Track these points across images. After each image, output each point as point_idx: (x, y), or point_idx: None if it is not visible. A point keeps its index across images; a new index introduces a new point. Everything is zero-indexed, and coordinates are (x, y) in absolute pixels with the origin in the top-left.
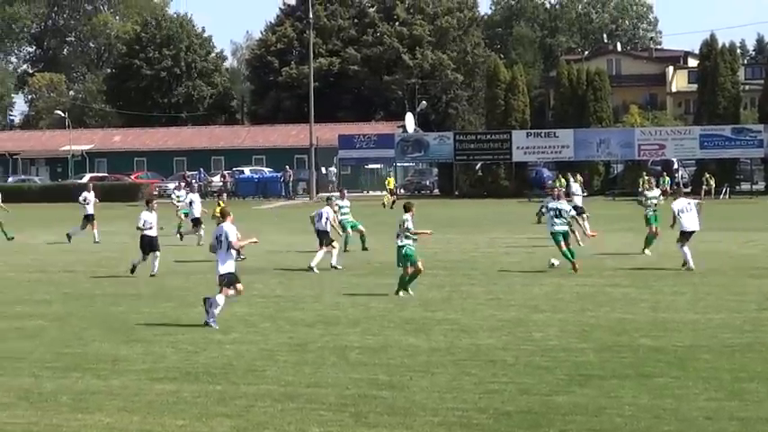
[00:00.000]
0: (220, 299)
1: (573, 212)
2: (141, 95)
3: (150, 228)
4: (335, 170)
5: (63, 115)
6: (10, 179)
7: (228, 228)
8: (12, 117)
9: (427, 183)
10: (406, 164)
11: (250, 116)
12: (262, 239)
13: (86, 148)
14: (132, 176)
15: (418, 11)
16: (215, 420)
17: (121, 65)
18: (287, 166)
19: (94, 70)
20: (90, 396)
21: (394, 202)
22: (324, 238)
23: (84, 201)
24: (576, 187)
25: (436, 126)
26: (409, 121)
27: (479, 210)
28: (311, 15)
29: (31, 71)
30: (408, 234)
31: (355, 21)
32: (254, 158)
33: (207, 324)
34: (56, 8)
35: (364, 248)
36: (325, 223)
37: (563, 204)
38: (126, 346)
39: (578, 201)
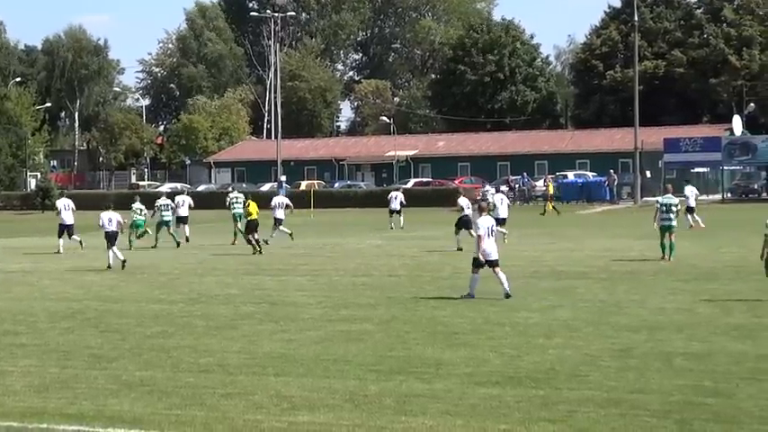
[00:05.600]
0: None
1: None
2: (465, 101)
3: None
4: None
5: (388, 121)
6: (336, 184)
7: None
8: (338, 123)
9: (755, 186)
10: (733, 167)
11: (574, 120)
12: (584, 245)
13: (411, 153)
14: (456, 181)
15: (748, 11)
16: (538, 425)
17: (446, 70)
18: (611, 171)
19: (419, 76)
20: (414, 399)
21: (554, 208)
22: None
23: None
24: None
25: (765, 129)
26: (736, 123)
27: None
28: (636, 18)
29: (357, 78)
30: None
31: (681, 22)
32: (578, 163)
33: None
34: (381, 16)
35: None
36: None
37: None
38: (449, 349)
39: None
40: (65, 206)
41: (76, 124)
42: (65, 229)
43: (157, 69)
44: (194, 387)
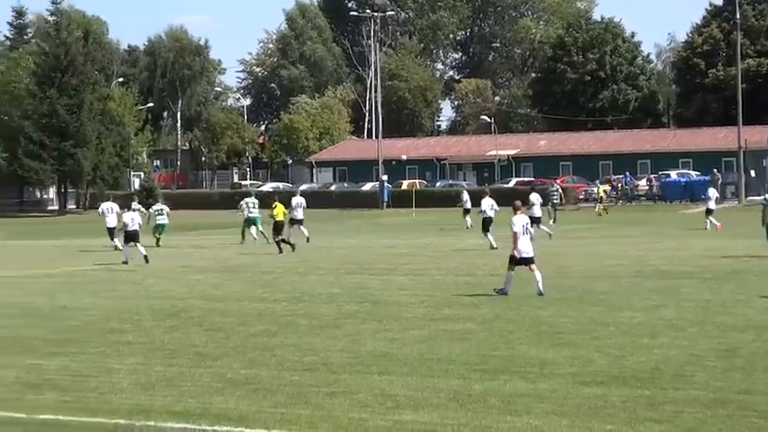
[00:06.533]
0: None
1: None
2: (566, 99)
3: None
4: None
5: (489, 120)
6: (438, 184)
7: None
8: (439, 123)
9: None
10: None
11: (676, 119)
12: (688, 244)
13: (512, 152)
14: (558, 180)
15: None
16: (643, 425)
17: (546, 69)
18: (714, 170)
19: (519, 75)
20: (518, 398)
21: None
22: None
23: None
24: None
25: None
26: None
27: None
28: (738, 15)
29: (457, 77)
30: None
31: None
32: (681, 162)
33: None
34: (480, 15)
35: None
36: None
37: None
38: (553, 349)
39: None
40: (109, 209)
41: (179, 124)
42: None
43: (258, 69)
44: (299, 385)
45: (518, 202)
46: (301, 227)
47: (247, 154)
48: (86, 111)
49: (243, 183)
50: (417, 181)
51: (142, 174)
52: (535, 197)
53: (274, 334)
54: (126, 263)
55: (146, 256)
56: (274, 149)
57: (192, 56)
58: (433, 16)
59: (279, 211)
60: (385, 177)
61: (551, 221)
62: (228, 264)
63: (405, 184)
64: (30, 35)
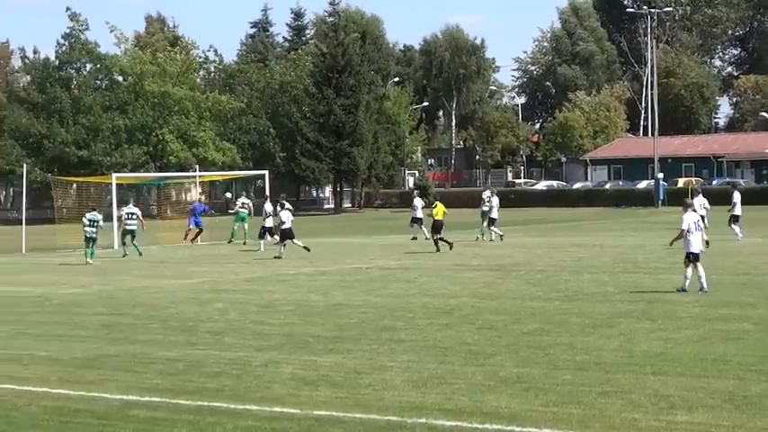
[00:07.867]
0: None
1: None
2: None
3: None
4: None
5: None
6: (715, 182)
7: None
8: (716, 120)
9: None
10: None
11: None
12: None
13: None
14: None
15: None
16: None
17: None
18: None
19: None
20: None
21: None
22: None
23: None
24: None
25: None
26: None
27: None
28: None
29: (735, 73)
30: None
31: None
32: None
33: None
34: (760, 10)
35: None
36: None
37: None
38: None
39: None
40: (269, 211)
41: (453, 123)
42: (266, 232)
43: (533, 67)
44: (571, 384)
45: (688, 200)
46: (492, 226)
47: (521, 152)
48: (362, 110)
49: (516, 181)
50: (693, 179)
51: (417, 172)
52: (737, 196)
53: (547, 332)
54: (279, 257)
55: (305, 247)
56: (549, 148)
57: (468, 55)
58: (709, 11)
59: (438, 210)
60: (661, 175)
61: None
62: (501, 262)
63: (681, 182)
64: (308, 36)
